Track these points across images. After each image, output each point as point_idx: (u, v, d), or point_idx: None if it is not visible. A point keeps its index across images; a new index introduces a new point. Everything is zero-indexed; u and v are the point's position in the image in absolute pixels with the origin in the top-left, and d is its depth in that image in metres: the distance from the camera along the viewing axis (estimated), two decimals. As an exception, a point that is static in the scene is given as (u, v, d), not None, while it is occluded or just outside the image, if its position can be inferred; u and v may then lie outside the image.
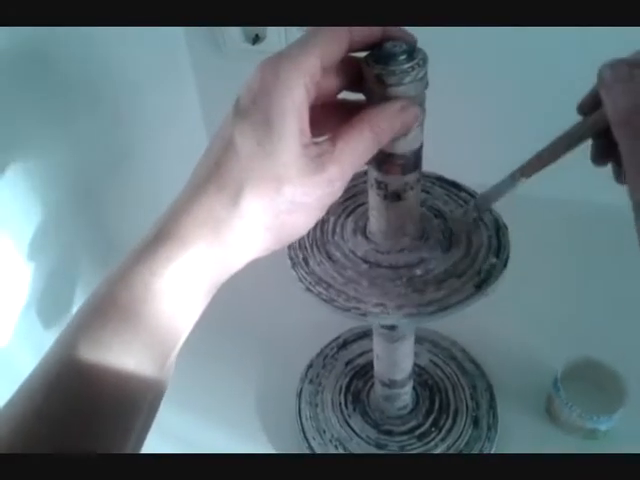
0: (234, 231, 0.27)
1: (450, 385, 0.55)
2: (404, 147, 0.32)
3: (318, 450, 0.51)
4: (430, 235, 0.38)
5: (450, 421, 0.52)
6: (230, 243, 0.27)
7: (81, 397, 0.25)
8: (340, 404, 0.55)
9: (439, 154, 0.43)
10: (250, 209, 0.27)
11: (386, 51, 0.29)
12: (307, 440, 0.52)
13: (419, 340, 0.59)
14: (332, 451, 0.51)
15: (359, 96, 0.31)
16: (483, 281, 0.35)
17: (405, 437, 0.51)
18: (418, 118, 0.31)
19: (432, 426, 0.52)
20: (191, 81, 0.73)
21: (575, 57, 0.54)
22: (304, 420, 0.54)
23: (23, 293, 0.51)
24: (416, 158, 0.33)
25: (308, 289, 0.36)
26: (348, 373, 0.57)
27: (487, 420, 0.52)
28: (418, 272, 0.36)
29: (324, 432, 0.52)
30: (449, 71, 0.60)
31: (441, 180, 0.42)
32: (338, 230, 0.39)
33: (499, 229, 0.38)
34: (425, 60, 0.29)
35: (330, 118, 0.30)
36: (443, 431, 0.51)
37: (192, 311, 0.28)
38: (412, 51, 0.29)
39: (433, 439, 0.51)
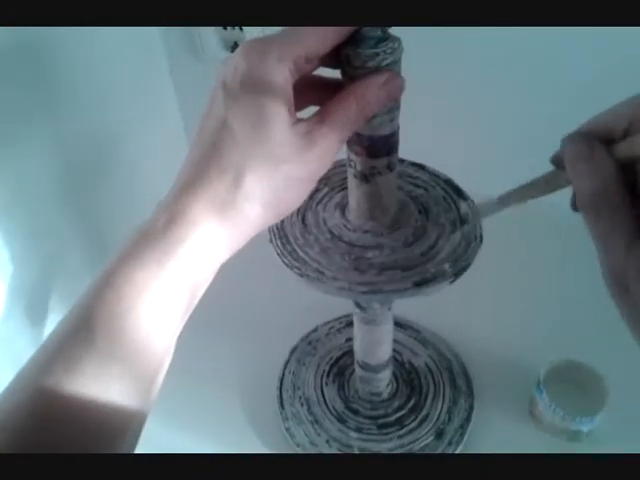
0: (238, 211, 0.28)
1: (433, 392, 0.55)
2: (369, 130, 0.33)
3: (286, 403, 0.55)
4: (402, 227, 0.39)
5: (415, 424, 0.52)
6: (235, 222, 0.29)
7: (57, 427, 0.24)
8: (323, 371, 0.57)
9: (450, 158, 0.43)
10: (252, 190, 0.28)
11: (361, 34, 0.30)
12: (280, 390, 0.56)
13: (424, 342, 0.59)
14: (297, 407, 0.54)
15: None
16: (424, 281, 0.35)
17: (367, 421, 0.53)
18: (403, 89, 0.32)
19: (396, 421, 0.52)
20: (170, 87, 0.74)
21: (570, 58, 0.52)
22: (286, 372, 0.57)
23: (9, 292, 0.51)
24: (385, 145, 0.34)
25: (270, 240, 0.39)
26: (344, 348, 0.59)
27: (452, 436, 0.51)
28: (369, 254, 0.37)
29: (298, 389, 0.56)
30: (456, 74, 0.60)
31: (447, 183, 0.42)
32: (325, 200, 0.42)
33: (471, 241, 0.38)
34: (395, 49, 0.30)
35: (307, 93, 0.32)
36: (404, 429, 0.52)
37: (200, 288, 0.30)
38: (384, 38, 0.30)
39: (391, 432, 0.52)
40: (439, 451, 0.50)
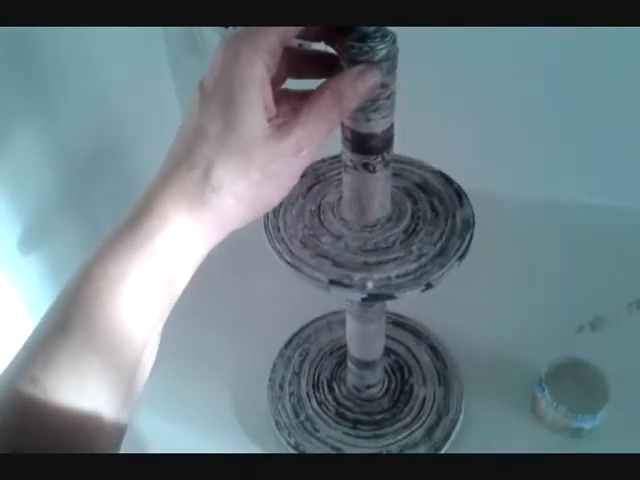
0: (208, 205, 0.28)
1: (407, 424, 0.52)
2: (349, 122, 0.34)
3: (290, 347, 0.59)
4: (376, 233, 0.38)
5: (368, 434, 0.51)
6: (206, 217, 0.28)
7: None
8: (333, 346, 0.59)
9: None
10: (221, 182, 0.28)
11: (356, 27, 0.31)
12: (296, 335, 0.60)
13: (443, 380, 0.55)
14: (295, 354, 0.58)
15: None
16: (338, 284, 0.36)
17: (332, 403, 0.54)
18: (378, 83, 0.31)
19: (354, 421, 0.52)
20: (170, 85, 0.72)
21: (568, 56, 0.53)
22: (311, 325, 0.61)
23: (10, 291, 0.50)
24: (361, 142, 0.34)
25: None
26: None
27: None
28: (324, 238, 0.38)
29: (309, 342, 0.59)
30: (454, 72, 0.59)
31: (463, 220, 0.39)
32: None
33: (421, 282, 0.35)
34: (373, 49, 0.30)
35: (306, 65, 0.33)
36: (354, 432, 0.52)
37: (178, 284, 0.29)
38: (372, 36, 0.30)
39: (342, 425, 0.52)
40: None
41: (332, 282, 0.36)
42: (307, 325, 0.61)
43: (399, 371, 0.56)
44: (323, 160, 0.45)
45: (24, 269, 0.51)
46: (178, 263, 0.28)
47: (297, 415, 0.53)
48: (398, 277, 0.36)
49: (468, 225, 0.39)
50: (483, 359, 0.57)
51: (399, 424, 0.52)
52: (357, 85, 0.30)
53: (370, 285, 0.35)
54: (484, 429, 0.52)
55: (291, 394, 0.55)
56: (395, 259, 0.37)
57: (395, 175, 0.43)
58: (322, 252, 0.37)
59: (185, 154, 0.28)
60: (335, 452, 0.50)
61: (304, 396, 0.55)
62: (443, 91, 0.61)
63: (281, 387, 0.56)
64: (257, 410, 0.55)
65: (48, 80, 0.51)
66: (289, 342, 0.60)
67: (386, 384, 0.55)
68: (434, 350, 0.58)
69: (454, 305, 0.57)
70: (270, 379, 0.56)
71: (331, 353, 0.58)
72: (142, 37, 0.63)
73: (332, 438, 0.51)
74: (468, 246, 0.37)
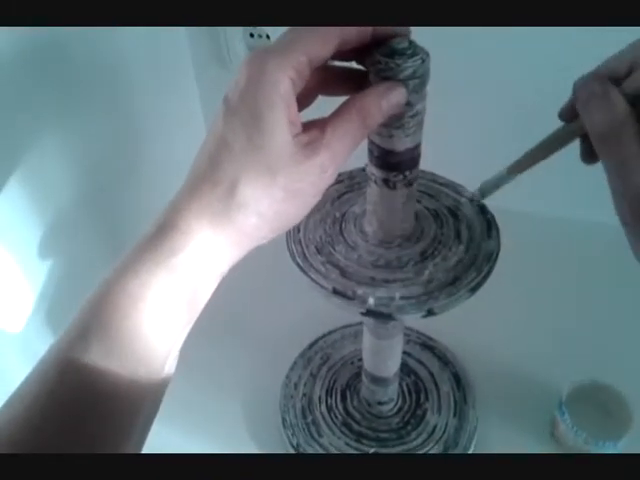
0: (233, 222, 0.28)
1: (421, 441, 0.51)
2: (372, 135, 0.34)
3: (313, 350, 0.59)
4: (391, 251, 0.38)
5: (384, 451, 0.51)
6: (230, 234, 0.28)
7: (75, 406, 0.25)
8: (355, 356, 0.58)
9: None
10: (246, 200, 0.28)
11: (388, 43, 0.30)
12: (322, 338, 0.60)
13: (460, 415, 0.53)
14: (317, 357, 0.58)
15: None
16: (340, 294, 0.36)
17: (341, 412, 0.54)
18: (404, 101, 0.31)
19: (357, 434, 0.52)
20: (195, 94, 0.72)
21: (576, 58, 0.45)
22: (340, 330, 0.61)
23: (31, 297, 0.50)
24: (381, 156, 0.34)
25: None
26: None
27: None
28: (338, 247, 0.39)
29: (334, 348, 0.59)
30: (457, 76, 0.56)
31: (488, 256, 0.37)
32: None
33: (409, 310, 0.34)
34: (398, 67, 0.30)
35: (336, 83, 0.33)
36: (351, 442, 0.51)
37: (199, 300, 0.29)
38: (400, 52, 0.30)
39: (346, 436, 0.52)
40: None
41: (335, 292, 0.36)
42: (334, 331, 0.61)
43: (415, 393, 0.55)
44: (363, 169, 0.45)
45: (45, 274, 0.51)
46: (200, 280, 0.29)
47: (305, 416, 0.54)
48: (402, 298, 0.35)
49: (489, 258, 0.37)
50: (503, 379, 0.57)
51: (403, 447, 0.51)
52: (382, 103, 0.30)
53: (371, 301, 0.35)
54: (500, 450, 0.51)
55: (304, 395, 0.55)
56: (404, 280, 0.36)
57: (430, 196, 0.42)
58: (334, 260, 0.38)
59: (209, 169, 0.28)
60: (333, 461, 0.50)
61: (315, 399, 0.55)
62: (472, 108, 0.61)
63: (296, 386, 0.56)
64: (266, 408, 0.56)
65: (73, 88, 0.52)
66: (313, 344, 0.60)
67: (399, 404, 0.54)
68: (457, 380, 0.56)
69: (473, 324, 0.56)
70: (287, 377, 0.57)
71: (352, 363, 0.58)
72: (167, 45, 0.64)
73: (334, 446, 0.51)
74: (484, 279, 0.36)
